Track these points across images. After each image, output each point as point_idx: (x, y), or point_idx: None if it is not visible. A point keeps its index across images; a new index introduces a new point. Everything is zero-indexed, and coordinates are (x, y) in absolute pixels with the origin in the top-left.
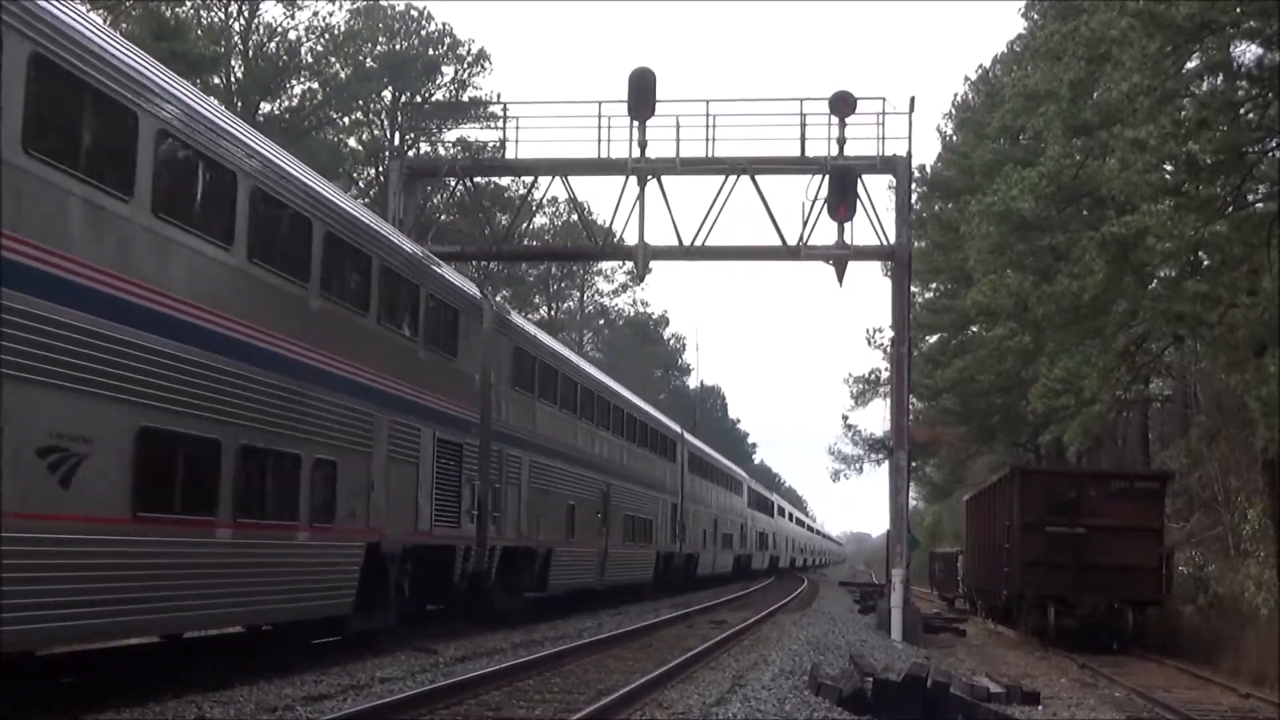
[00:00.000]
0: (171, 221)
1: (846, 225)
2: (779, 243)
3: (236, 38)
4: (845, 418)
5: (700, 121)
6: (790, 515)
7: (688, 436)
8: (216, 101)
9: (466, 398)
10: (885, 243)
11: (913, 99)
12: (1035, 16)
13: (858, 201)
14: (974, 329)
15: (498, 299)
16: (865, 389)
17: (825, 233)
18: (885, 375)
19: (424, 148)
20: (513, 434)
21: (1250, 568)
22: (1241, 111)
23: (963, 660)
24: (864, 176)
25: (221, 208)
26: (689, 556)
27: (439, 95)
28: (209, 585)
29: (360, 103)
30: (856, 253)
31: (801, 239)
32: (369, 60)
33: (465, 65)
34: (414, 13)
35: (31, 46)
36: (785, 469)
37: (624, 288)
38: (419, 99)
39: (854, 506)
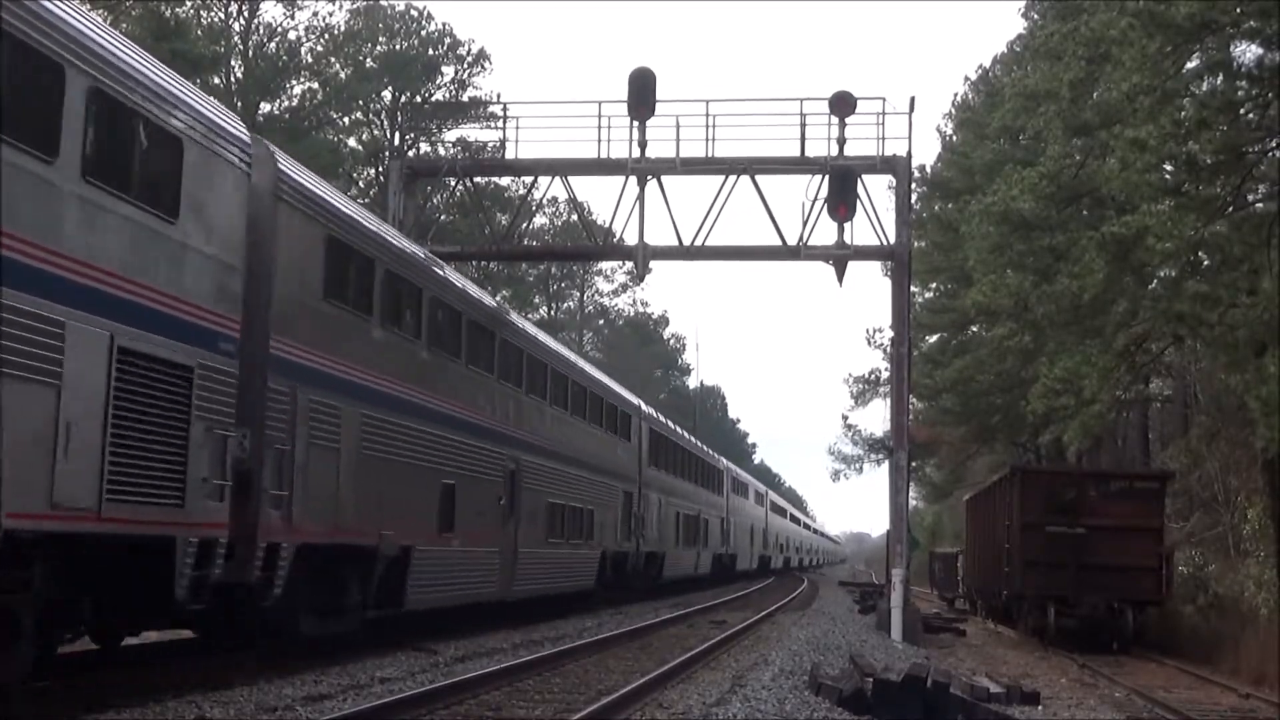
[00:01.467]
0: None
1: (846, 225)
2: (779, 243)
3: (236, 38)
4: (845, 418)
5: (700, 121)
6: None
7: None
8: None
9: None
10: (885, 243)
11: (913, 99)
12: (1035, 16)
13: (858, 201)
14: (974, 329)
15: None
16: (865, 389)
17: (825, 233)
18: (885, 375)
19: (424, 148)
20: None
21: (1250, 568)
22: (1241, 111)
23: (963, 660)
24: (864, 176)
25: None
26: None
27: (439, 95)
28: None
29: (360, 103)
30: (856, 253)
31: (801, 239)
32: (369, 60)
33: (465, 65)
34: (414, 13)
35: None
36: (785, 469)
37: (624, 288)
38: (419, 99)
39: (854, 506)
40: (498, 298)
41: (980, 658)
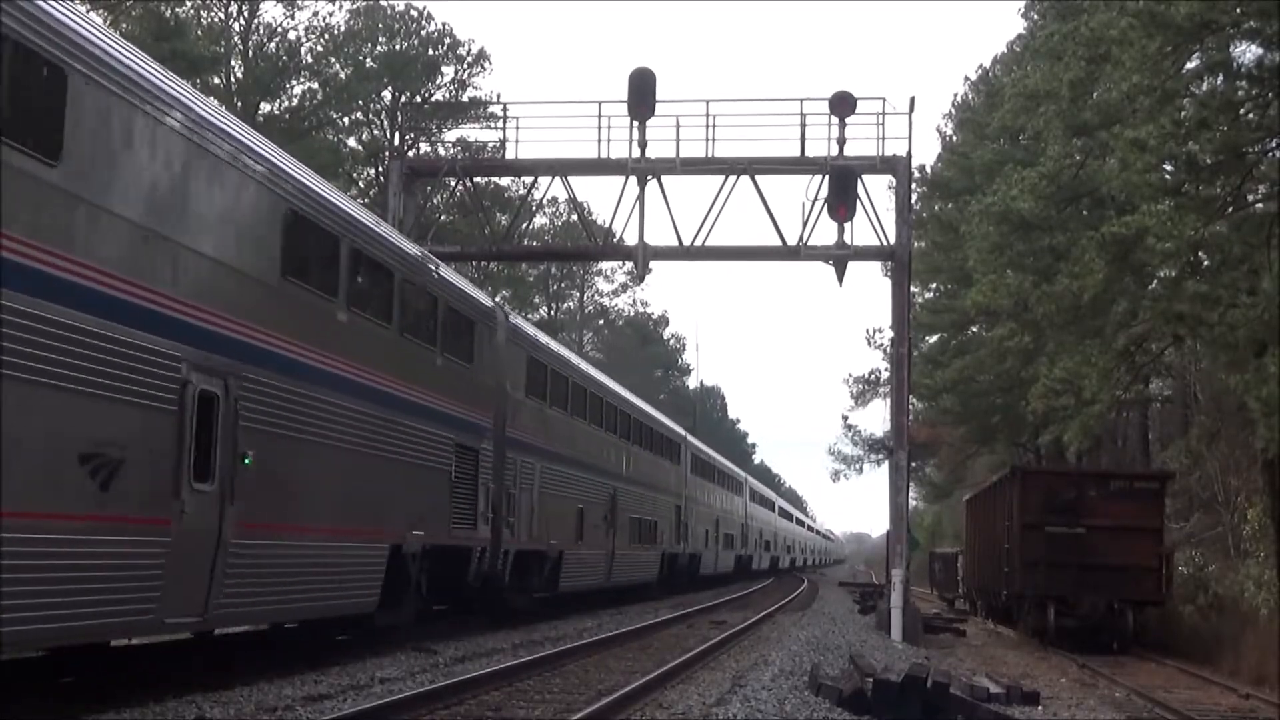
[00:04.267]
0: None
1: (846, 225)
2: (779, 243)
3: (236, 38)
4: (845, 418)
5: (700, 121)
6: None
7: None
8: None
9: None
10: (885, 243)
11: (913, 99)
12: (1035, 16)
13: (858, 201)
14: (974, 329)
15: (501, 301)
16: (865, 389)
17: (825, 233)
18: (885, 375)
19: (424, 148)
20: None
21: (1250, 568)
22: (1241, 111)
23: (963, 660)
24: (864, 176)
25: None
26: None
27: (439, 95)
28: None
29: (360, 103)
30: (856, 253)
31: (801, 239)
32: (369, 60)
33: (465, 65)
34: (414, 13)
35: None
36: (785, 469)
37: (624, 288)
38: (419, 99)
39: (854, 506)
40: (498, 298)
41: (980, 658)
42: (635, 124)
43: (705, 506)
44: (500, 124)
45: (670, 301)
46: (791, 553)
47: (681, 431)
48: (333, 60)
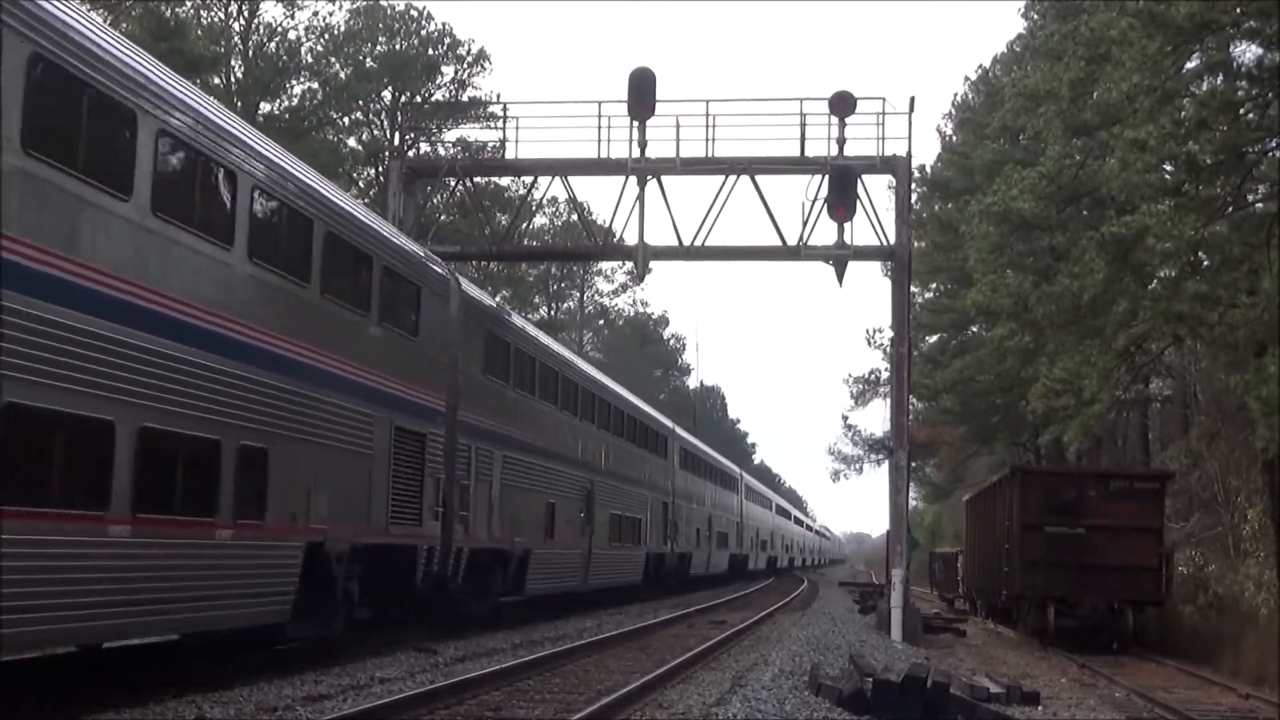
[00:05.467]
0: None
1: (846, 225)
2: (779, 243)
3: (236, 38)
4: (845, 418)
5: (700, 121)
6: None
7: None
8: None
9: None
10: (885, 243)
11: (913, 99)
12: (1035, 16)
13: (858, 201)
14: (974, 329)
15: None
16: (865, 389)
17: (825, 233)
18: (885, 375)
19: (424, 148)
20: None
21: (1250, 568)
22: (1241, 111)
23: (963, 660)
24: (864, 176)
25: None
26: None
27: (439, 95)
28: None
29: (360, 103)
30: (856, 253)
31: (801, 239)
32: (369, 60)
33: (465, 65)
34: (414, 13)
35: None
36: (785, 469)
37: (624, 288)
38: (419, 99)
39: (854, 506)
40: (497, 298)
41: (980, 658)
42: (635, 124)
43: (696, 503)
44: (500, 124)
45: (670, 301)
46: (790, 552)
47: (670, 424)
48: (333, 60)
